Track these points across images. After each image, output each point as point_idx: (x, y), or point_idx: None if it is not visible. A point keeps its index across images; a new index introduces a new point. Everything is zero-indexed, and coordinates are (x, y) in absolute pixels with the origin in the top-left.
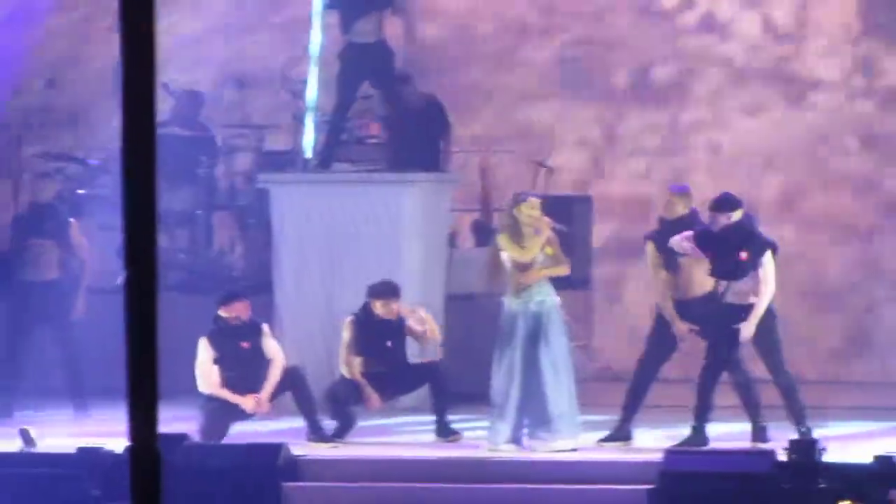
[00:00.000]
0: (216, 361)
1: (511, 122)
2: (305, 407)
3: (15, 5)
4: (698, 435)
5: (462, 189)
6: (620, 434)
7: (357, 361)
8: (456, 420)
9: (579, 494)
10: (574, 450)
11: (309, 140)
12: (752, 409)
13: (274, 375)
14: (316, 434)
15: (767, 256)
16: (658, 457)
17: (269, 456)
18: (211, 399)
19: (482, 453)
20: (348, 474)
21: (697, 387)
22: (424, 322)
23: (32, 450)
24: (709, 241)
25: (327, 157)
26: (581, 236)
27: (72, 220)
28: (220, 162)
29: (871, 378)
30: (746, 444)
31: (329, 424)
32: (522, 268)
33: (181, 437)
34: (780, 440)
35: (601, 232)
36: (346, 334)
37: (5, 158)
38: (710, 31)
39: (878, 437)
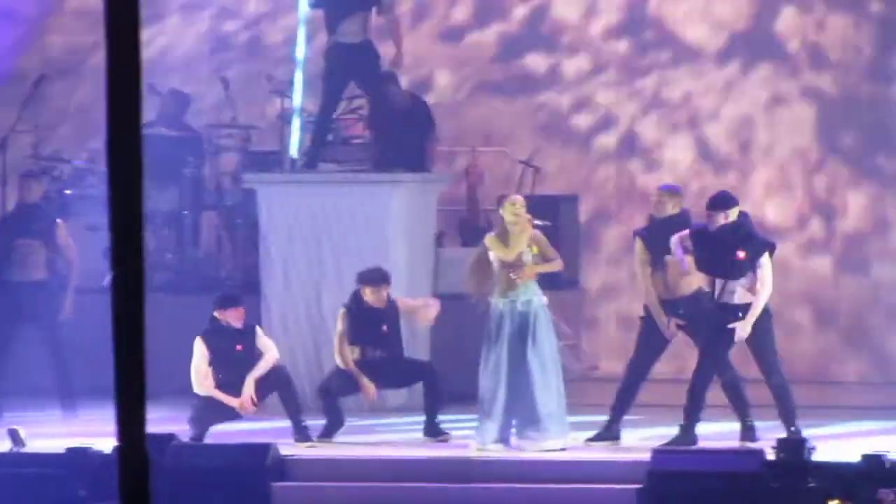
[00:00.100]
0: (210, 362)
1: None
2: (291, 407)
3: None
4: (687, 434)
5: (448, 189)
6: (609, 434)
7: (351, 351)
8: (444, 420)
9: (568, 494)
10: (562, 449)
11: (295, 140)
12: (740, 408)
13: (264, 363)
14: (301, 434)
15: (766, 257)
16: (646, 456)
17: (257, 456)
18: (204, 396)
19: (470, 453)
20: (337, 474)
21: (690, 386)
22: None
23: (21, 450)
24: (706, 240)
25: (314, 157)
26: (568, 236)
27: (59, 220)
28: (207, 162)
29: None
30: (735, 443)
31: (315, 425)
32: (513, 267)
33: (169, 438)
34: (768, 439)
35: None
36: (339, 324)
37: None
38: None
39: (867, 435)
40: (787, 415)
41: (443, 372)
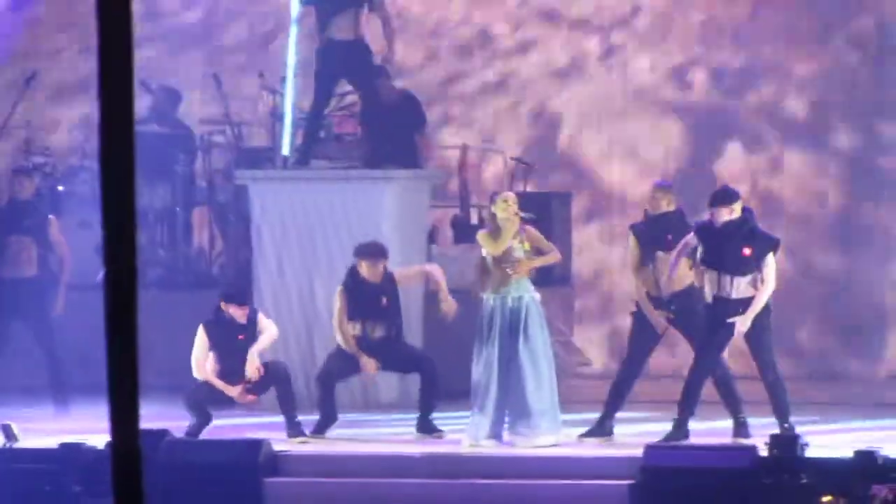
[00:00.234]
0: (211, 350)
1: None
2: (286, 403)
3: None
4: (680, 429)
5: (441, 185)
6: (601, 430)
7: (351, 328)
8: (436, 416)
9: (560, 490)
10: (555, 445)
11: (287, 137)
12: (732, 404)
13: (267, 337)
14: (294, 430)
15: (771, 253)
16: (639, 452)
17: (250, 452)
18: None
19: (462, 449)
20: (329, 470)
21: (686, 382)
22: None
23: (14, 445)
24: (711, 236)
25: (306, 153)
26: (560, 232)
27: (51, 217)
28: (199, 158)
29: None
30: (728, 439)
31: (307, 420)
32: (503, 262)
33: (162, 433)
34: (762, 435)
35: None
36: (337, 302)
37: None
38: None
39: (860, 432)
40: (781, 411)
41: (436, 370)
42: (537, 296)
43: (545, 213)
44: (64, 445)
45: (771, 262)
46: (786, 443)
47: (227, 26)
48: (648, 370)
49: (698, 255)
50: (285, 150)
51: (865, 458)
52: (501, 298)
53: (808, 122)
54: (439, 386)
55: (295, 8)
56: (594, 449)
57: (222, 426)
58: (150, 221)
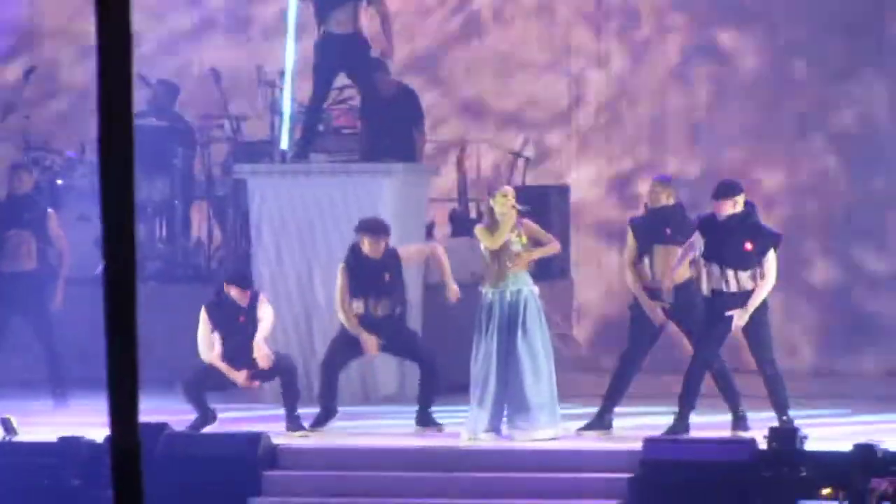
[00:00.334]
0: (213, 332)
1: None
2: (289, 398)
3: None
4: (681, 423)
5: (439, 179)
6: (601, 423)
7: (353, 305)
8: (435, 409)
9: (559, 483)
10: (554, 438)
11: (286, 131)
12: (731, 397)
13: (267, 323)
14: (293, 423)
15: (772, 250)
16: (638, 446)
17: (248, 445)
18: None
19: (461, 442)
20: (328, 463)
21: (685, 375)
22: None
23: (13, 439)
24: (714, 229)
25: (304, 147)
26: (559, 226)
27: (50, 210)
28: (198, 152)
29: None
30: (727, 432)
31: (305, 413)
32: (501, 255)
33: (161, 427)
34: (761, 429)
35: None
36: (339, 280)
37: None
38: None
39: (859, 425)
40: (780, 405)
41: (436, 363)
42: (536, 289)
43: (544, 206)
44: (63, 439)
45: (772, 258)
46: (785, 436)
47: (226, 20)
48: (647, 363)
49: (699, 248)
50: (284, 143)
51: (865, 452)
52: (500, 292)
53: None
54: (439, 379)
55: (294, 2)
56: (593, 442)
57: (221, 418)
58: (148, 215)
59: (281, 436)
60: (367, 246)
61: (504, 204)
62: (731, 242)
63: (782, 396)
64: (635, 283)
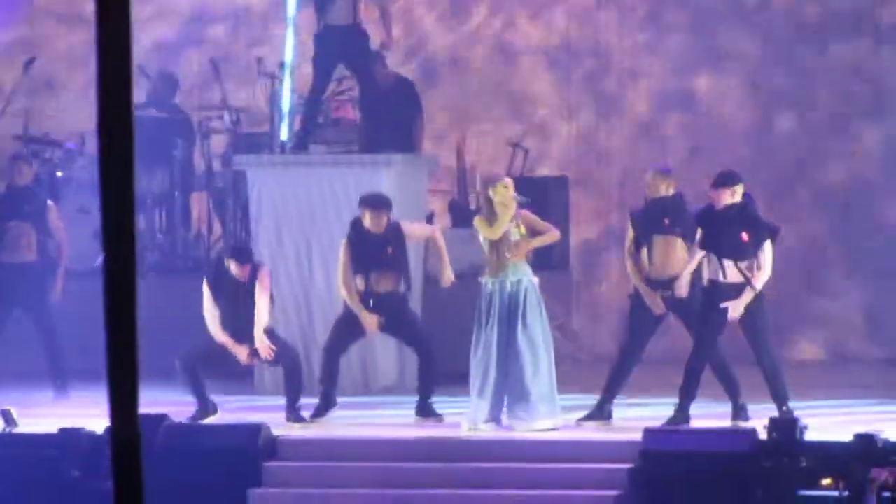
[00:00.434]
0: (216, 304)
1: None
2: (292, 390)
3: None
4: (682, 413)
5: (438, 170)
6: (601, 413)
7: (356, 283)
8: (435, 400)
9: (559, 473)
10: (554, 429)
11: (285, 122)
12: (731, 388)
13: (261, 317)
14: (293, 415)
15: (768, 242)
16: (638, 436)
17: (249, 436)
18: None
19: (461, 433)
20: (328, 454)
21: (686, 367)
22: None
23: (13, 430)
24: (711, 219)
25: (304, 138)
26: (558, 217)
27: (50, 202)
28: (197, 144)
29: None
30: (727, 423)
31: (306, 404)
32: (506, 246)
33: (161, 418)
34: (762, 418)
35: None
36: (341, 255)
37: None
38: None
39: (860, 415)
40: (780, 395)
41: (434, 352)
42: (535, 280)
43: (543, 197)
44: (63, 431)
45: (768, 250)
46: (785, 426)
47: (225, 11)
48: (647, 354)
49: (697, 239)
50: (283, 135)
51: (865, 442)
52: (500, 282)
53: None
54: (436, 367)
55: None
56: (593, 433)
57: (221, 409)
58: (148, 207)
59: (281, 427)
60: (368, 220)
61: (504, 194)
62: (728, 233)
63: (781, 387)
64: (635, 274)
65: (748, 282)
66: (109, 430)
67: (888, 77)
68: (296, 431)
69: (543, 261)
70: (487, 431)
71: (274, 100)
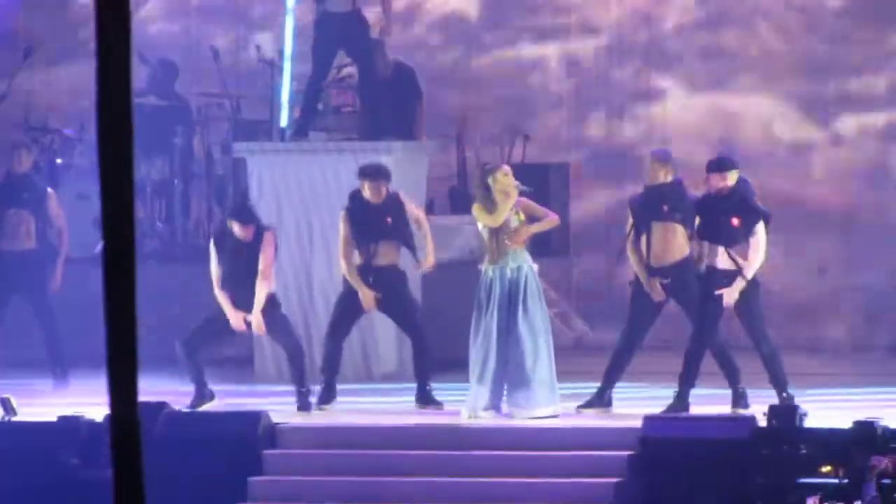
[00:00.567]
0: (219, 264)
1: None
2: (298, 379)
3: None
4: (681, 400)
5: (439, 156)
6: (600, 401)
7: (356, 256)
8: (435, 387)
9: (559, 460)
10: (554, 416)
11: (285, 109)
12: (730, 374)
13: (260, 295)
14: (302, 400)
15: (760, 225)
16: (638, 423)
17: (248, 424)
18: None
19: (461, 420)
20: (328, 441)
21: (685, 354)
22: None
23: (13, 419)
24: (704, 205)
25: (303, 126)
26: (558, 203)
27: (49, 190)
28: (197, 131)
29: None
30: (727, 410)
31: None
32: (506, 233)
33: (161, 406)
34: (763, 404)
35: None
36: (341, 228)
37: None
38: None
39: (859, 402)
40: (779, 382)
41: (433, 339)
42: (535, 266)
43: (543, 184)
44: (62, 419)
45: (760, 235)
46: (785, 413)
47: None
48: (647, 341)
49: (695, 225)
50: (283, 122)
51: (865, 429)
52: (500, 269)
53: None
54: (431, 355)
55: None
56: (593, 420)
57: (220, 396)
58: (148, 194)
59: (281, 415)
60: (367, 190)
61: (505, 182)
62: (721, 219)
63: (780, 373)
64: (636, 261)
65: (738, 268)
66: (109, 418)
67: None
68: (295, 419)
69: (543, 247)
70: (487, 419)
71: (273, 87)
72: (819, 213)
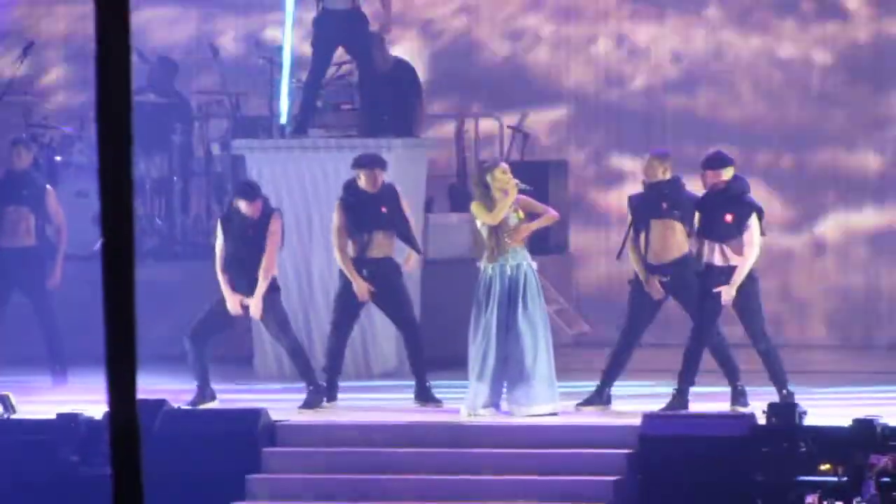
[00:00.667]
0: (224, 244)
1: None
2: (305, 375)
3: None
4: (681, 398)
5: (438, 154)
6: (600, 398)
7: (349, 246)
8: (434, 385)
9: (559, 458)
10: (553, 414)
11: (284, 106)
12: (730, 372)
13: (265, 270)
14: (317, 395)
15: (753, 220)
16: (637, 421)
17: (248, 421)
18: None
19: (461, 418)
20: (327, 439)
21: (684, 351)
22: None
23: (11, 416)
24: (701, 203)
25: (303, 123)
26: (557, 201)
27: (48, 187)
28: (196, 128)
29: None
30: (726, 407)
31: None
32: (505, 231)
33: (160, 403)
34: (760, 403)
35: None
36: (336, 217)
37: None
38: None
39: (859, 400)
40: (778, 379)
41: (433, 337)
42: (534, 264)
43: (542, 181)
44: (61, 416)
45: (753, 230)
46: (784, 411)
47: None
48: (647, 339)
49: (695, 223)
50: (283, 119)
51: (864, 427)
52: (500, 267)
53: None
54: (425, 351)
55: None
56: (592, 418)
57: (221, 395)
58: (147, 191)
59: (280, 412)
60: (363, 179)
61: (503, 180)
62: (715, 215)
63: (779, 371)
64: (635, 259)
65: (721, 264)
66: (108, 416)
67: None
68: (295, 417)
69: (542, 245)
70: (486, 416)
71: (273, 84)
72: None
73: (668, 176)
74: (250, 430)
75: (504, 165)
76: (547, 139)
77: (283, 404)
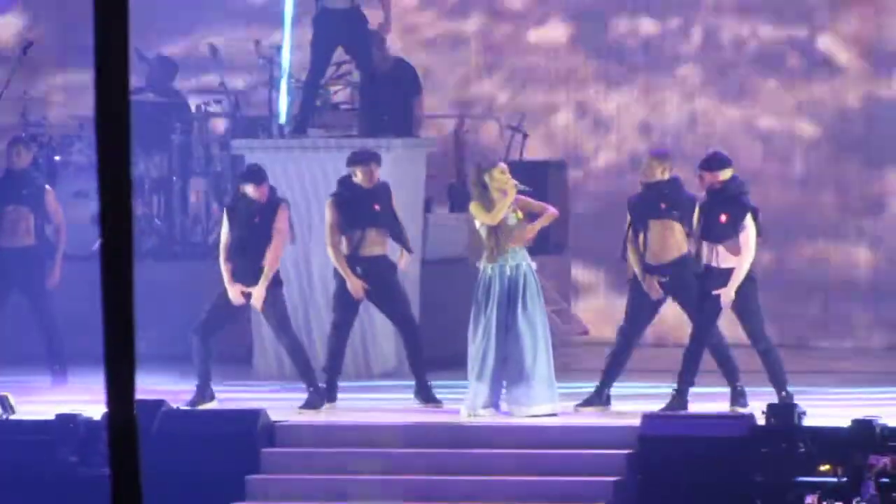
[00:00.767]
0: (230, 232)
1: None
2: (305, 376)
3: None
4: (680, 399)
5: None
6: (599, 399)
7: (344, 244)
8: (434, 385)
9: (558, 459)
10: (553, 414)
11: (284, 106)
12: (729, 373)
13: (270, 261)
14: (318, 396)
15: (748, 220)
16: (637, 421)
17: (247, 422)
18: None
19: (460, 418)
20: (326, 440)
21: (684, 352)
22: None
23: (10, 416)
24: (703, 204)
25: (302, 122)
26: (557, 201)
27: (47, 186)
28: (195, 128)
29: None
30: (725, 408)
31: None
32: (504, 231)
33: (158, 404)
34: (760, 404)
35: None
36: (328, 214)
37: None
38: None
39: (858, 401)
40: (777, 380)
41: (432, 337)
42: (534, 265)
43: (541, 181)
44: (60, 416)
45: (749, 231)
46: (783, 411)
47: None
48: (646, 340)
49: (694, 223)
50: (282, 119)
51: (864, 427)
52: (499, 267)
53: None
54: (424, 350)
55: None
56: (591, 418)
57: (220, 396)
58: (146, 191)
59: (279, 413)
60: (359, 175)
61: (502, 180)
62: (711, 215)
63: (779, 371)
64: (634, 259)
65: (720, 266)
66: (106, 416)
67: None
68: (294, 417)
69: (541, 245)
70: (486, 417)
71: (272, 84)
72: None
73: (666, 176)
74: (250, 430)
75: (502, 166)
76: None
77: (283, 404)
